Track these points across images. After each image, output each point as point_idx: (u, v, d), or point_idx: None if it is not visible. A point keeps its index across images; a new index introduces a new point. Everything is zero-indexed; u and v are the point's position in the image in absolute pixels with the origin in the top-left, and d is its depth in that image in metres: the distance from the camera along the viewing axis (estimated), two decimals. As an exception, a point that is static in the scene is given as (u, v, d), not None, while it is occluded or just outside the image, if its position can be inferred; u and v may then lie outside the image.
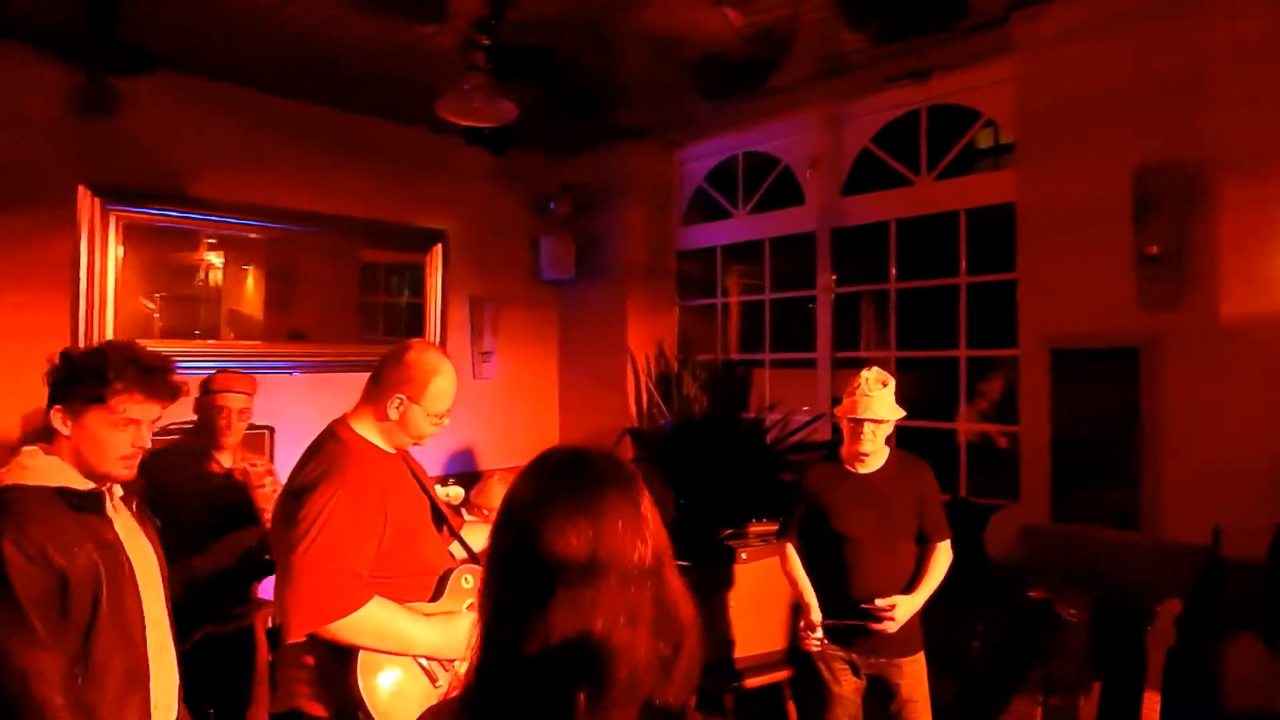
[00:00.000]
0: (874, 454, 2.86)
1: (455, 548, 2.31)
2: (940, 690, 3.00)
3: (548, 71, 3.94)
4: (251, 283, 4.46)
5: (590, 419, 5.33)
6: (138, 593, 1.82)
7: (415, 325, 4.97)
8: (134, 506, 1.97)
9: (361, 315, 4.90)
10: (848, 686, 2.89)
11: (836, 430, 4.50)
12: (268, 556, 2.91)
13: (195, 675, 2.73)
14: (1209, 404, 2.93)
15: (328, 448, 2.02)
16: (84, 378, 1.78)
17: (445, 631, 1.98)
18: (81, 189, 3.69)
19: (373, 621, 1.86)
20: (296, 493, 1.93)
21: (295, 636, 1.82)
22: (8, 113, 3.50)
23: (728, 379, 5.03)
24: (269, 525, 3.02)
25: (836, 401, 4.50)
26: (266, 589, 3.56)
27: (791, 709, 3.89)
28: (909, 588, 2.84)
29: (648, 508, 1.05)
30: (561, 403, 5.58)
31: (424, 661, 1.97)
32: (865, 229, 4.45)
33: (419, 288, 5.00)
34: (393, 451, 2.14)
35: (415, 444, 2.18)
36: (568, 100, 4.42)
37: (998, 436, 4.08)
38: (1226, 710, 2.58)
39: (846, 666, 2.88)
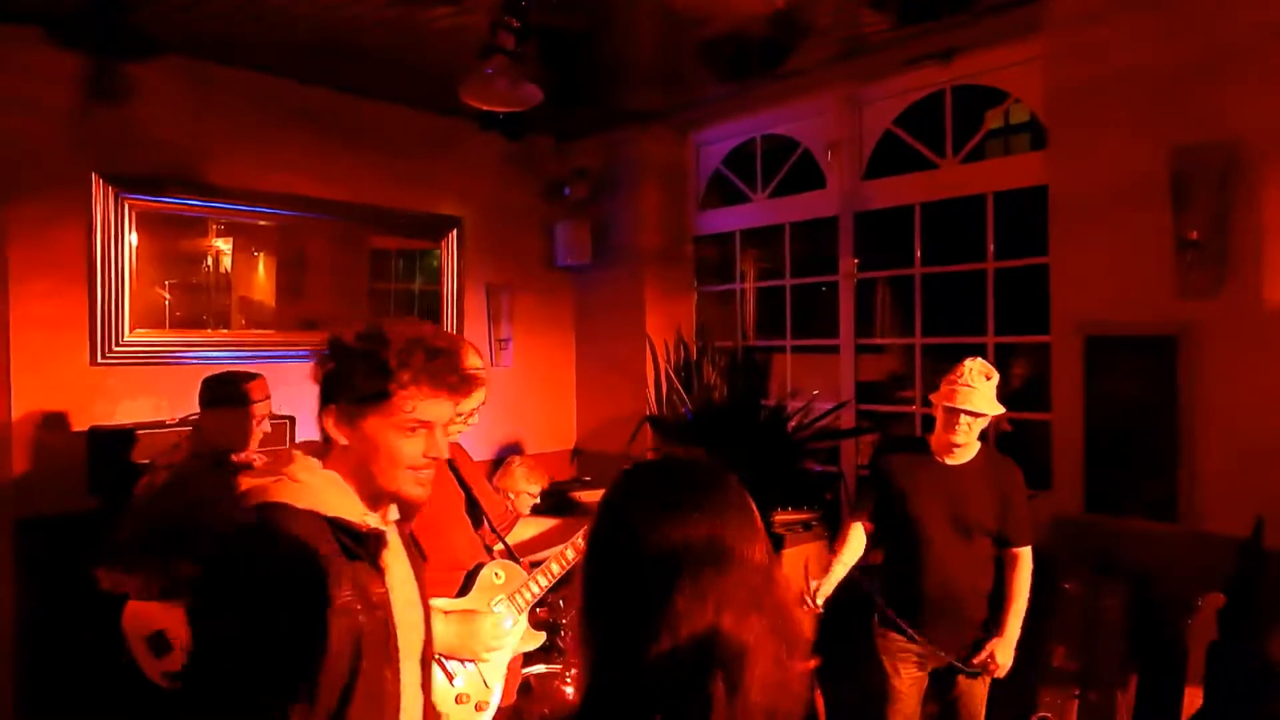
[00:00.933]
0: (965, 447, 2.77)
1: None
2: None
3: (568, 54, 3.86)
4: (263, 271, 4.41)
5: (608, 406, 5.29)
6: (398, 668, 1.44)
7: (431, 313, 4.92)
8: (408, 536, 1.62)
9: (374, 303, 4.84)
10: (908, 680, 2.83)
11: (860, 417, 4.49)
12: None
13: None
14: (1250, 393, 2.86)
15: None
16: (360, 369, 1.42)
17: (462, 630, 1.94)
18: (95, 177, 3.64)
19: None
20: None
21: None
22: (18, 99, 3.44)
23: (748, 365, 4.97)
24: None
25: (861, 389, 4.51)
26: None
27: (819, 698, 3.86)
28: (987, 595, 2.78)
29: (754, 508, 1.03)
30: (579, 390, 5.53)
31: (439, 659, 1.93)
32: (887, 213, 4.38)
33: (433, 275, 4.95)
34: None
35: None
36: (584, 83, 4.34)
37: (1019, 423, 4.01)
38: (1269, 707, 2.53)
39: (912, 660, 2.83)
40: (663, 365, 5.04)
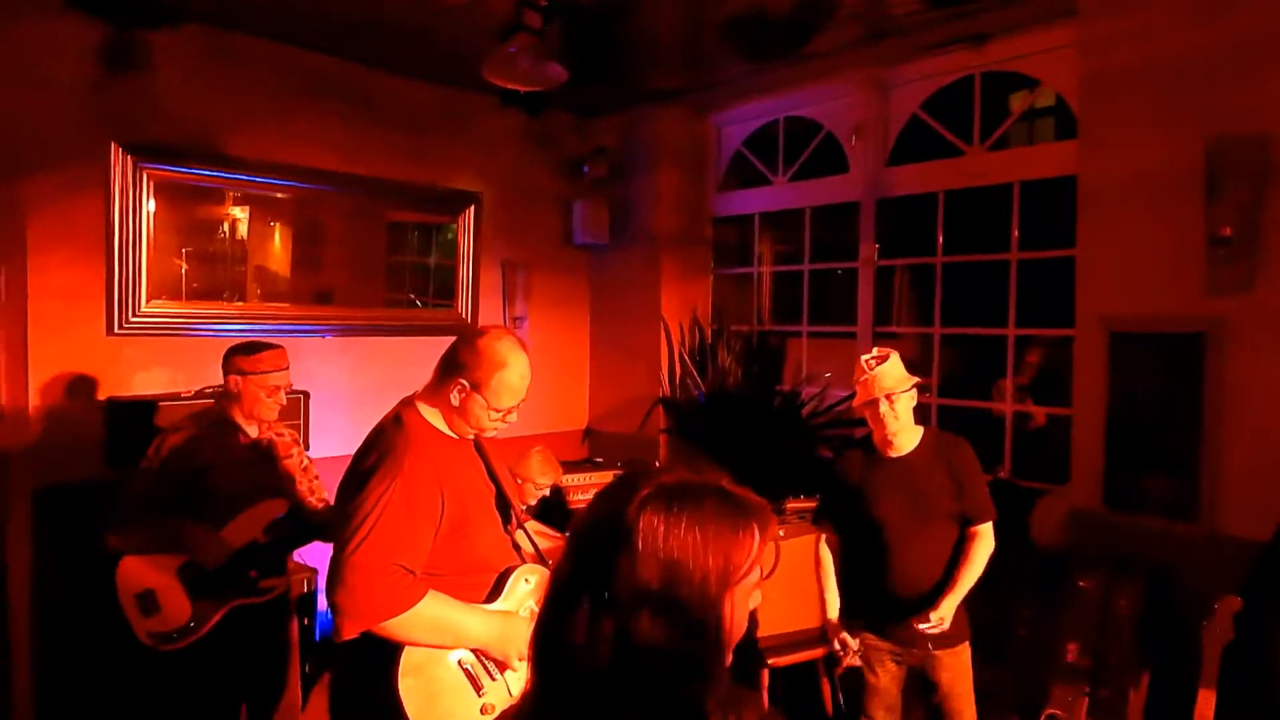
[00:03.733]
0: (901, 433, 2.71)
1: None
2: (984, 677, 2.94)
3: (590, 31, 3.80)
4: (279, 242, 4.39)
5: (621, 387, 5.27)
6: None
7: (446, 289, 4.90)
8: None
9: (390, 278, 4.83)
10: (885, 677, 2.82)
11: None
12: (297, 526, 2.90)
13: (226, 648, 2.75)
14: (1278, 394, 2.81)
15: (388, 433, 1.94)
16: None
17: (504, 627, 1.91)
18: (114, 146, 3.62)
19: (427, 618, 1.81)
20: (352, 483, 1.87)
21: (347, 635, 1.76)
22: (37, 68, 3.42)
23: (763, 350, 4.94)
24: (299, 496, 3.00)
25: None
26: (299, 556, 3.56)
27: (825, 686, 3.87)
28: (947, 578, 2.72)
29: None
30: (592, 370, 5.51)
31: (469, 667, 1.91)
32: (909, 199, 4.32)
33: (449, 250, 4.92)
34: (457, 437, 2.04)
35: (478, 435, 2.07)
36: (605, 61, 4.28)
37: (1039, 416, 3.99)
38: (1285, 710, 2.51)
39: (886, 657, 2.82)
40: (677, 348, 5.02)
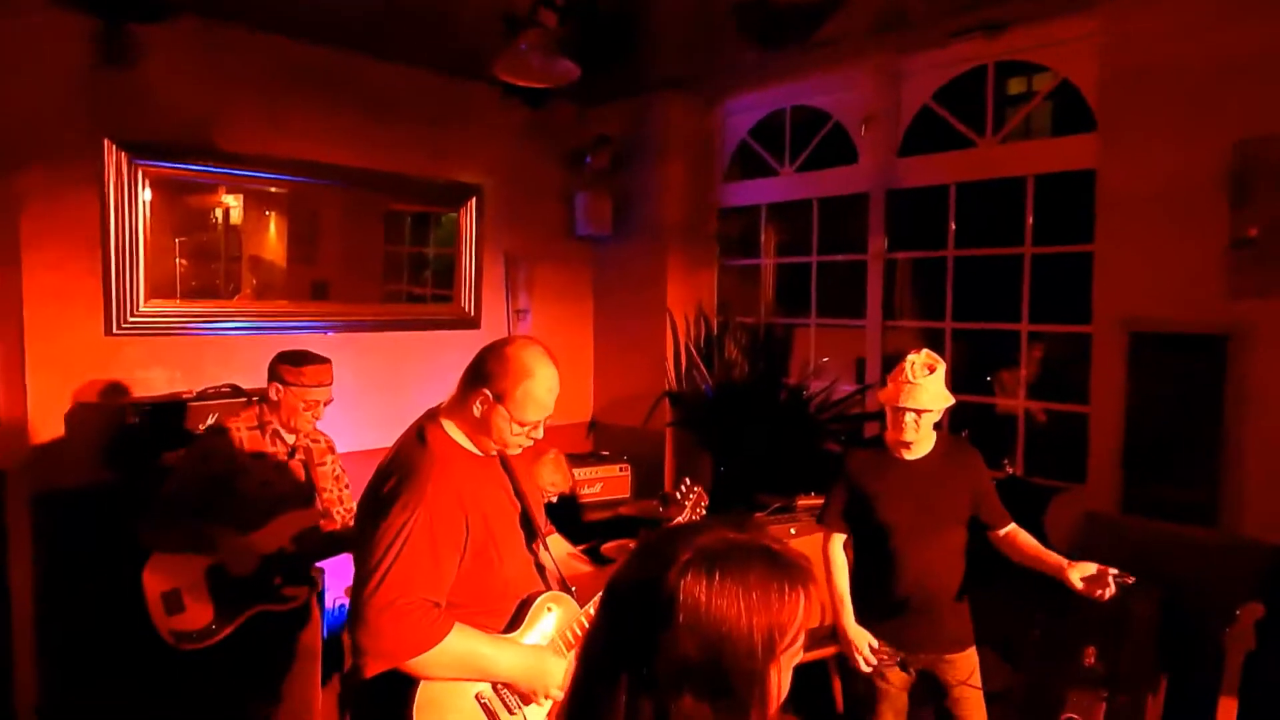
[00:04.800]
0: (918, 442, 2.68)
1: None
2: (996, 679, 2.92)
3: (593, 16, 3.69)
4: (274, 233, 4.31)
5: (626, 380, 5.22)
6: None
7: (446, 283, 4.83)
8: None
9: (389, 274, 4.75)
10: (896, 681, 2.78)
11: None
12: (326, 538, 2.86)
13: (248, 653, 2.75)
14: (1302, 399, 2.78)
15: (411, 454, 1.84)
16: None
17: (534, 662, 1.84)
18: (107, 143, 3.52)
19: (453, 653, 1.74)
20: (373, 509, 1.79)
21: (370, 674, 1.69)
22: (27, 63, 3.31)
23: (769, 343, 4.88)
24: (325, 505, 2.96)
25: (886, 363, 4.42)
26: (325, 564, 3.52)
27: (837, 685, 3.86)
28: (955, 582, 2.68)
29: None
30: (597, 362, 5.45)
31: (486, 701, 1.83)
32: (920, 191, 4.25)
33: (449, 242, 4.84)
34: (483, 455, 1.94)
35: (502, 452, 1.96)
36: (609, 47, 4.18)
37: (1039, 414, 3.95)
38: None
39: (894, 663, 2.77)
40: (683, 340, 4.96)
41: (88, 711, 3.42)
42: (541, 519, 2.12)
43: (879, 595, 2.73)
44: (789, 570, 0.98)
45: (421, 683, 1.75)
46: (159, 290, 3.75)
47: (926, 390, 2.58)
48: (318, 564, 3.10)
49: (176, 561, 2.69)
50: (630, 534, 4.00)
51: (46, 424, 3.44)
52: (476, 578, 1.83)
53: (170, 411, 3.45)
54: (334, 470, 3.05)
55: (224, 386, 3.70)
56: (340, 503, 3.03)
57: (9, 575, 3.41)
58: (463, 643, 1.75)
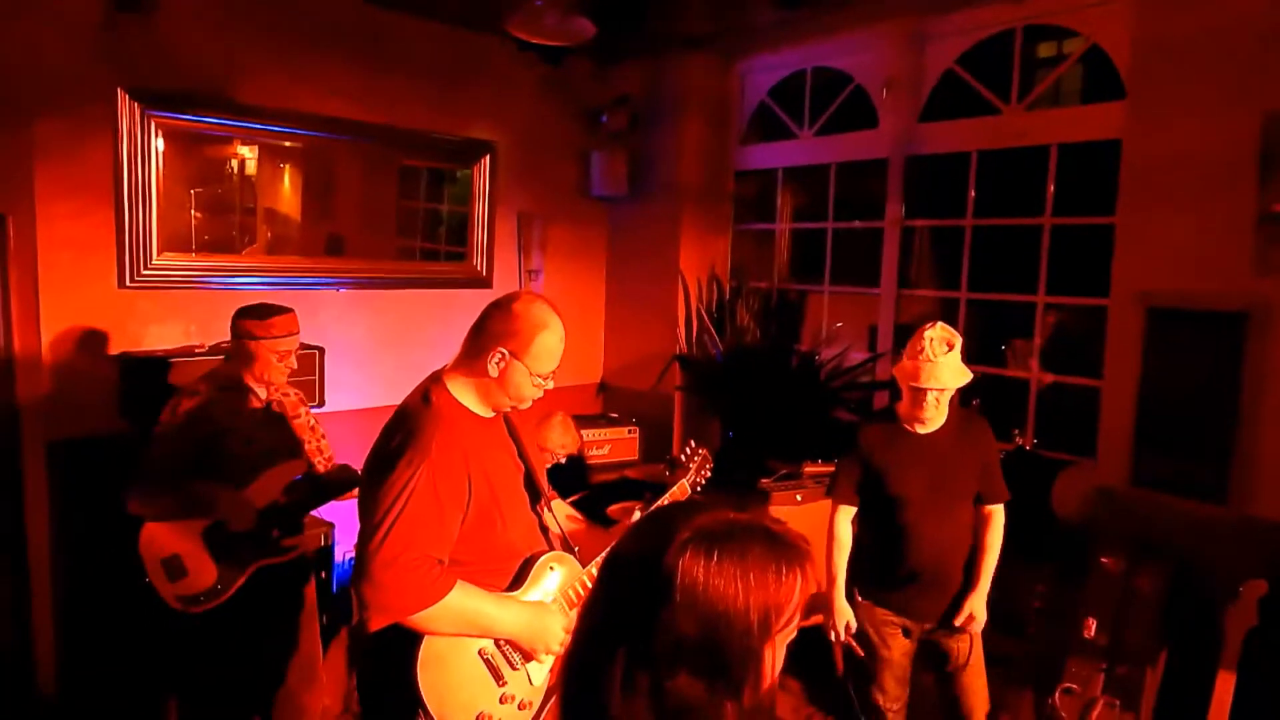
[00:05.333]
0: (935, 418, 2.68)
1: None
2: (999, 647, 2.95)
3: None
4: (289, 185, 4.29)
5: (637, 342, 5.21)
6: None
7: (459, 241, 4.81)
8: None
9: (403, 230, 4.73)
10: (897, 650, 2.81)
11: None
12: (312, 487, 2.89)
13: (250, 606, 2.78)
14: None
15: (415, 414, 1.85)
16: None
17: (536, 619, 1.86)
18: (121, 93, 3.49)
19: (455, 609, 1.76)
20: (378, 467, 1.80)
21: (374, 628, 1.72)
22: (43, 11, 3.28)
23: (782, 309, 4.86)
24: (308, 455, 2.99)
25: (903, 340, 4.38)
26: (333, 518, 3.57)
27: (838, 650, 3.90)
28: (964, 556, 2.72)
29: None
30: (608, 324, 5.44)
31: (489, 656, 1.86)
32: (939, 158, 4.18)
33: (463, 200, 4.81)
34: (489, 415, 1.95)
35: (515, 407, 1.97)
36: (629, 4, 4.10)
37: (1046, 380, 3.91)
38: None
39: (898, 630, 2.81)
40: (695, 304, 4.94)
41: (104, 657, 3.51)
42: (545, 482, 2.13)
43: (889, 567, 2.75)
44: (787, 551, 0.98)
45: (425, 638, 1.77)
46: (172, 243, 3.76)
47: (947, 368, 2.56)
48: (315, 513, 3.14)
49: (171, 528, 2.69)
50: (636, 496, 4.03)
51: (61, 374, 3.48)
52: (480, 536, 1.84)
53: (183, 365, 3.47)
54: (309, 421, 3.07)
55: (200, 344, 3.71)
56: (320, 453, 3.06)
57: (25, 514, 3.47)
58: (465, 600, 1.77)
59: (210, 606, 2.70)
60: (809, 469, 4.03)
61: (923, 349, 2.57)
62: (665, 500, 2.25)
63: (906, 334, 4.48)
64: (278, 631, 2.94)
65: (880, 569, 2.79)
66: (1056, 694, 2.89)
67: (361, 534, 1.77)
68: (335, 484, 2.99)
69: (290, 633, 2.99)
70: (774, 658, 0.97)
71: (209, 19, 3.71)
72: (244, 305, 2.86)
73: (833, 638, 2.83)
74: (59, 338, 3.46)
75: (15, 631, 3.51)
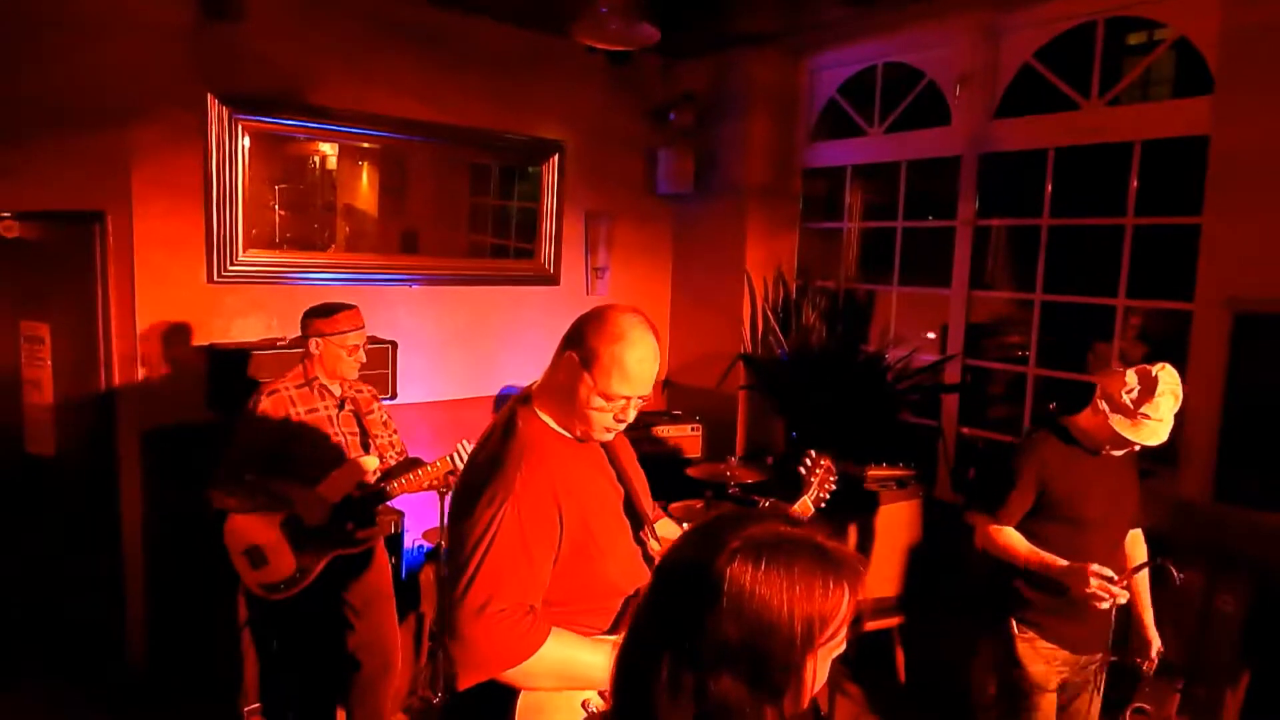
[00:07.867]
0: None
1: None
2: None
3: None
4: (366, 183, 4.43)
5: (702, 340, 5.22)
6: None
7: (528, 238, 4.89)
8: None
9: (473, 226, 4.84)
10: (1056, 683, 2.56)
11: (965, 371, 4.29)
12: (383, 484, 2.98)
13: (331, 595, 2.93)
14: None
15: (502, 439, 1.68)
16: None
17: None
18: (210, 97, 3.67)
19: (553, 661, 1.57)
20: (461, 504, 1.66)
21: (464, 685, 1.56)
22: (139, 15, 3.47)
23: (849, 309, 4.79)
24: (379, 450, 3.09)
25: (972, 340, 4.28)
26: (404, 507, 3.69)
27: (900, 655, 3.85)
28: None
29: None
30: (673, 321, 5.46)
31: (594, 709, 1.65)
32: (1013, 155, 4.06)
33: (533, 197, 4.89)
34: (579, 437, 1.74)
35: (587, 438, 1.74)
36: (689, 5, 4.09)
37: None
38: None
39: (1061, 667, 2.55)
40: (760, 303, 4.91)
41: (191, 634, 3.70)
42: (648, 504, 1.92)
43: (1054, 593, 2.47)
44: (835, 565, 0.99)
45: (522, 692, 1.61)
46: (257, 241, 3.93)
47: (1167, 426, 2.33)
48: (390, 504, 3.25)
49: (253, 520, 2.85)
50: (698, 495, 4.04)
51: (153, 365, 3.68)
52: (576, 575, 1.66)
53: (263, 357, 3.63)
54: (381, 416, 3.17)
55: (267, 341, 3.87)
56: (392, 447, 3.16)
57: (120, 496, 3.69)
58: (562, 649, 1.59)
59: (291, 594, 2.85)
60: (873, 473, 3.98)
61: (1154, 404, 2.29)
62: None
63: (979, 334, 4.42)
64: (355, 619, 3.08)
65: (1043, 594, 2.50)
66: (1127, 714, 2.80)
67: (449, 580, 1.63)
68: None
69: (367, 620, 3.11)
70: (816, 668, 0.98)
71: (291, 25, 3.86)
72: (311, 306, 3.00)
73: (1094, 586, 2.32)
74: (151, 330, 3.66)
75: (110, 606, 3.74)
